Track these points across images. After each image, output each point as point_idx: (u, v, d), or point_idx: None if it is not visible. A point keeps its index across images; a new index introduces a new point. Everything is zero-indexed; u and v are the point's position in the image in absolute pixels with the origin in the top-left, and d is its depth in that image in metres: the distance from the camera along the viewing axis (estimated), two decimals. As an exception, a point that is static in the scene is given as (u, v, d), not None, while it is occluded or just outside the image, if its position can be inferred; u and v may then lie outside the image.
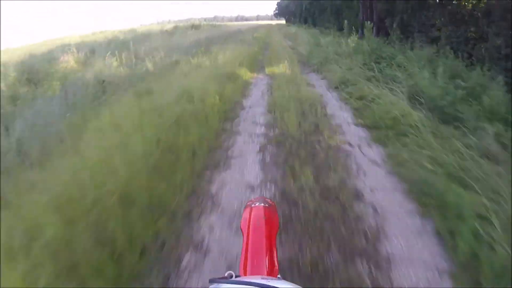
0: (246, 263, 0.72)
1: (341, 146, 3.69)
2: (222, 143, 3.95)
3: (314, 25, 37.65)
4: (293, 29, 34.59)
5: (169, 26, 38.57)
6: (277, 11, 77.56)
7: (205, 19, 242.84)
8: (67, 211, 1.83)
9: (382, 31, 15.11)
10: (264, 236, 0.78)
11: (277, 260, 0.76)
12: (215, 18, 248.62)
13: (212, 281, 0.62)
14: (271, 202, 0.97)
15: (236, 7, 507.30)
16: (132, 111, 3.55)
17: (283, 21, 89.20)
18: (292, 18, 61.36)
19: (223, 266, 1.94)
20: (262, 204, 0.93)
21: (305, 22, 42.78)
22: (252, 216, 0.87)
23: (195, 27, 35.15)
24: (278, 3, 73.85)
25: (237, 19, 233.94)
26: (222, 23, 74.25)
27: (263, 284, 0.55)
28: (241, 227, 0.86)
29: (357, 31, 16.79)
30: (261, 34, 28.21)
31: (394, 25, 10.87)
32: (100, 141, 2.80)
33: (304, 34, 21.15)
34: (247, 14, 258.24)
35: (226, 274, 0.68)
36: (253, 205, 0.93)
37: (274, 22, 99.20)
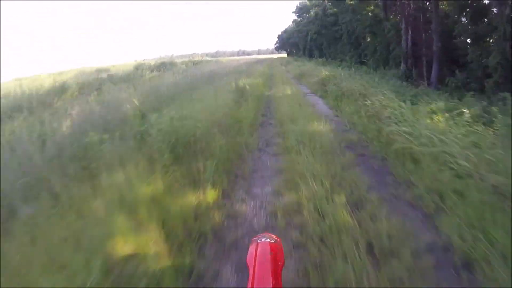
0: None
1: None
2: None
3: (321, 56, 34.32)
4: (296, 63, 31.07)
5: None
6: (278, 44, 75.47)
7: (207, 54, 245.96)
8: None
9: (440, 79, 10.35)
10: (270, 271, 0.79)
11: None
12: (217, 53, 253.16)
13: None
14: (277, 238, 0.97)
15: (237, 42, 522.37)
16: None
17: (284, 55, 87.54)
18: (294, 51, 58.66)
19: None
20: (268, 240, 0.94)
21: (310, 55, 39.44)
22: (258, 251, 0.87)
23: (195, 62, 31.58)
24: (279, 35, 71.94)
25: (238, 53, 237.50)
26: (222, 58, 72.37)
27: None
28: (247, 262, 0.86)
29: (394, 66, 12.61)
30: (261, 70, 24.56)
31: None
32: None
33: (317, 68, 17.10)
34: (248, 49, 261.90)
35: None
36: (259, 241, 0.94)
37: (275, 55, 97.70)
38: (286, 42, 61.22)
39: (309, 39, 35.51)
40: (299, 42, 44.94)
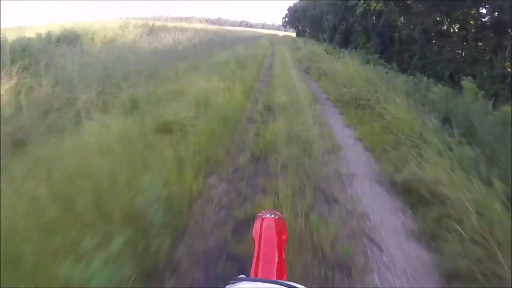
0: (257, 269, 0.76)
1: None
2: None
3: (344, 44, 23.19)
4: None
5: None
6: (286, 19, 62.66)
7: (206, 20, 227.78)
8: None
9: None
10: (275, 245, 0.82)
11: (285, 269, 0.80)
12: (218, 20, 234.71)
13: (230, 279, 0.68)
14: (280, 215, 1.02)
15: (241, 12, 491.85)
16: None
17: (291, 33, 74.54)
18: (307, 31, 46.74)
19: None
20: (273, 216, 0.98)
21: (331, 40, 27.76)
22: (263, 226, 0.91)
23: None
24: (289, 8, 59.12)
25: (241, 24, 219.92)
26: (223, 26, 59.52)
27: (280, 282, 0.63)
28: (253, 235, 0.90)
29: None
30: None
31: None
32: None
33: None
34: (252, 21, 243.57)
35: (238, 277, 0.74)
36: (264, 216, 0.98)
37: (281, 33, 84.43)
38: (301, 17, 48.45)
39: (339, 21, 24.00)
40: (327, 22, 32.77)
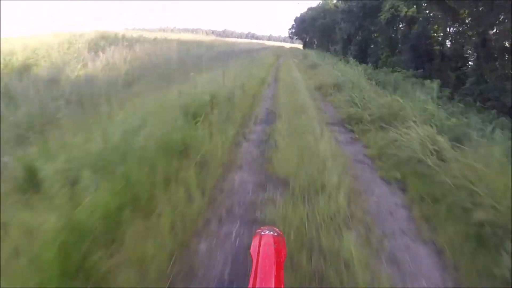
0: (254, 287, 0.74)
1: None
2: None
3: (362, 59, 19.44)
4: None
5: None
6: (293, 30, 59.30)
7: (213, 31, 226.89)
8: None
9: None
10: (273, 263, 0.81)
11: (283, 286, 0.79)
12: (224, 32, 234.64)
13: None
14: (279, 232, 1.00)
15: (247, 24, 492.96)
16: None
17: (299, 45, 71.37)
18: (316, 42, 43.20)
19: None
20: (272, 233, 0.96)
21: (344, 52, 24.08)
22: (262, 243, 0.90)
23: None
24: (296, 18, 55.74)
25: (247, 36, 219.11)
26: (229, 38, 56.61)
27: None
28: (251, 253, 0.88)
29: None
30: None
31: None
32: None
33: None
34: (258, 33, 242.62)
35: None
36: (262, 233, 0.96)
37: (287, 44, 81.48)
38: (308, 27, 44.86)
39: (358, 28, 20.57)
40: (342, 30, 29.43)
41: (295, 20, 56.61)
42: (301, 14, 52.81)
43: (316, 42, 43.26)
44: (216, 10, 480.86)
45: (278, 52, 30.62)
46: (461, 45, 11.41)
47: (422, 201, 2.91)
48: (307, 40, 51.21)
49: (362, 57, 19.19)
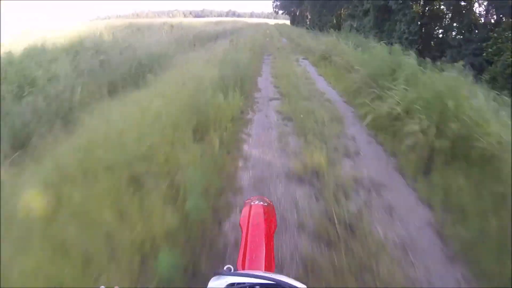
0: (244, 258, 0.73)
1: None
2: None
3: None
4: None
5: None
6: (278, 2, 48.63)
7: (190, 12, 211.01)
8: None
9: None
10: (263, 234, 0.80)
11: (274, 259, 0.78)
12: (203, 11, 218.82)
13: (216, 273, 0.68)
14: (269, 202, 0.99)
15: (228, 2, 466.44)
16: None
17: (285, 21, 61.04)
18: (309, 18, 33.32)
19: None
20: (261, 203, 0.95)
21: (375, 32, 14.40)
22: (251, 213, 0.88)
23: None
24: None
25: (227, 14, 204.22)
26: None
27: (265, 276, 0.61)
28: (240, 223, 0.87)
29: None
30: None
31: None
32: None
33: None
34: (239, 10, 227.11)
35: (225, 268, 0.72)
36: (252, 203, 0.95)
37: (272, 21, 70.94)
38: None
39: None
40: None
41: (279, -10, 46.20)
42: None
43: (308, 18, 33.38)
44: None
45: (258, 35, 20.93)
46: None
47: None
48: (297, 14, 40.66)
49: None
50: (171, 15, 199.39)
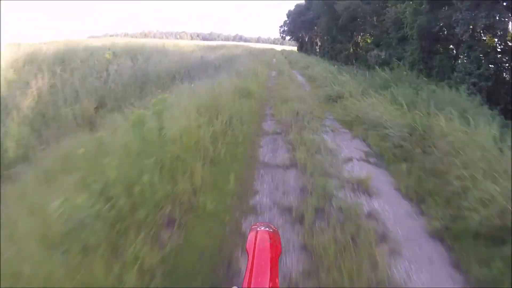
0: (250, 281, 0.76)
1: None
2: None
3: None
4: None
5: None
6: (285, 27, 45.86)
7: (198, 34, 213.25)
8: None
9: None
10: (268, 258, 0.83)
11: (278, 282, 0.80)
12: (210, 35, 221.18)
13: None
14: (274, 228, 1.01)
15: (235, 26, 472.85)
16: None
17: (292, 47, 58.67)
18: (318, 44, 30.01)
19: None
20: (267, 229, 0.98)
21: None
22: (258, 238, 0.91)
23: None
24: (289, 12, 42.40)
25: (235, 38, 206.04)
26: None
27: None
28: (247, 248, 0.88)
29: None
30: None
31: None
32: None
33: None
34: (246, 35, 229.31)
35: None
36: (258, 229, 0.97)
37: (279, 47, 68.72)
38: (310, 20, 31.15)
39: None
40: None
41: (288, 15, 43.40)
42: (296, 4, 39.58)
43: (318, 44, 30.00)
44: (202, 12, 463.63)
45: (259, 65, 17.28)
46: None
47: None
48: (305, 40, 37.52)
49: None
50: (178, 36, 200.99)
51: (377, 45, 15.57)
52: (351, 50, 19.81)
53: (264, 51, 32.20)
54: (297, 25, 36.23)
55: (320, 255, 2.11)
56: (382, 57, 13.76)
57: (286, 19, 44.07)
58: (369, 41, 20.24)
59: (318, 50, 31.51)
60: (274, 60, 22.47)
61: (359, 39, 20.18)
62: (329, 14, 20.27)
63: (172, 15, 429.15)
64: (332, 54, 24.25)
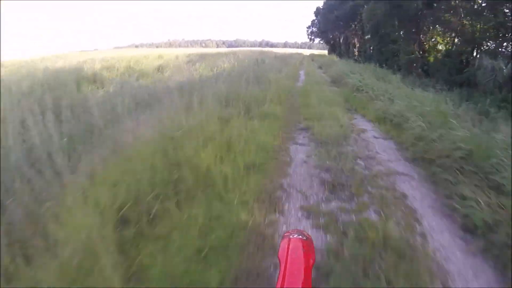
0: None
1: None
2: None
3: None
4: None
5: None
6: (313, 28, 39.20)
7: (223, 42, 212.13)
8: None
9: None
10: (302, 267, 0.79)
11: None
12: (236, 41, 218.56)
13: None
14: (308, 236, 0.97)
15: (261, 32, 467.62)
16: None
17: (321, 51, 52.21)
18: (357, 48, 23.42)
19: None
20: (300, 237, 0.94)
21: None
22: (290, 247, 0.88)
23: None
24: (318, 9, 35.76)
25: (261, 44, 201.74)
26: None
27: None
28: (279, 256, 0.86)
29: None
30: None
31: None
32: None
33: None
34: (273, 40, 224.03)
35: None
36: (291, 237, 0.94)
37: (307, 51, 62.38)
38: (347, 16, 24.44)
39: None
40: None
41: (316, 13, 36.80)
42: (325, 1, 32.92)
43: (358, 45, 23.09)
44: (227, 20, 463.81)
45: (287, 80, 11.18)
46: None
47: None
48: (340, 41, 30.52)
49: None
50: (203, 44, 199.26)
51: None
52: (418, 52, 13.04)
53: (289, 56, 26.13)
54: (329, 23, 29.38)
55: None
56: (504, 71, 7.10)
57: (314, 18, 37.50)
58: (440, 41, 13.39)
59: (356, 53, 24.77)
60: (302, 74, 16.13)
61: (425, 39, 13.43)
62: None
63: (198, 22, 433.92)
64: (380, 58, 17.49)
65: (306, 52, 56.32)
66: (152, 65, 13.28)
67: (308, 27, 40.21)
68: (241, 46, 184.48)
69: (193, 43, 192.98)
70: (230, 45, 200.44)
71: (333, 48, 36.01)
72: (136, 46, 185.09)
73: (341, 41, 28.75)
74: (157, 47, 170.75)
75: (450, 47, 11.80)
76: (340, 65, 16.07)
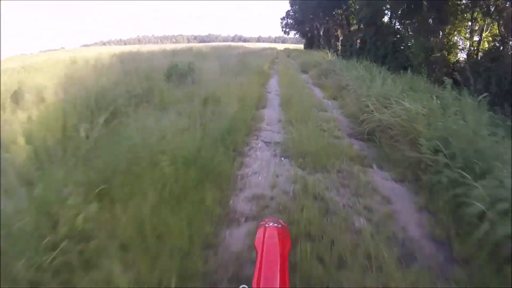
0: (259, 279, 0.73)
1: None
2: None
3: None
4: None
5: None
6: (288, 20, 34.97)
7: (195, 37, 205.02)
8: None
9: None
10: (278, 254, 0.80)
11: (288, 279, 0.76)
12: (208, 36, 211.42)
13: None
14: (284, 224, 0.98)
15: (234, 27, 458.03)
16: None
17: (298, 45, 48.36)
18: (340, 41, 19.50)
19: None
20: (276, 225, 0.94)
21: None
22: (266, 235, 0.88)
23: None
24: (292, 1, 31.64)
25: (234, 39, 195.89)
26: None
27: None
28: (255, 245, 0.87)
29: None
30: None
31: None
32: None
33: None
34: (246, 35, 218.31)
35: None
36: (266, 225, 0.94)
37: (281, 45, 58.48)
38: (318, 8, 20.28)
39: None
40: None
41: (292, 4, 32.66)
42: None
43: (341, 38, 19.08)
44: (201, 13, 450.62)
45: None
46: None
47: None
48: (320, 33, 26.13)
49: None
50: (174, 40, 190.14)
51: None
52: (438, 54, 9.01)
53: (259, 52, 21.86)
54: (308, 12, 25.07)
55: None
56: None
57: (290, 8, 33.31)
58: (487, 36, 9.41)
59: (339, 47, 20.81)
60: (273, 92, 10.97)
61: (446, 38, 9.47)
62: None
63: (171, 16, 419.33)
64: (377, 53, 13.56)
65: (280, 46, 52.24)
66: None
67: (283, 19, 35.95)
68: (213, 41, 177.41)
69: (163, 39, 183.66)
70: (202, 40, 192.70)
71: (311, 41, 32.00)
72: (104, 44, 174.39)
73: (321, 33, 24.71)
74: (125, 44, 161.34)
75: (495, 45, 7.90)
76: (353, 70, 8.56)
